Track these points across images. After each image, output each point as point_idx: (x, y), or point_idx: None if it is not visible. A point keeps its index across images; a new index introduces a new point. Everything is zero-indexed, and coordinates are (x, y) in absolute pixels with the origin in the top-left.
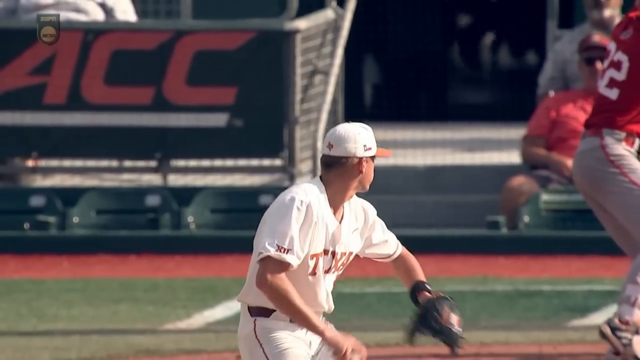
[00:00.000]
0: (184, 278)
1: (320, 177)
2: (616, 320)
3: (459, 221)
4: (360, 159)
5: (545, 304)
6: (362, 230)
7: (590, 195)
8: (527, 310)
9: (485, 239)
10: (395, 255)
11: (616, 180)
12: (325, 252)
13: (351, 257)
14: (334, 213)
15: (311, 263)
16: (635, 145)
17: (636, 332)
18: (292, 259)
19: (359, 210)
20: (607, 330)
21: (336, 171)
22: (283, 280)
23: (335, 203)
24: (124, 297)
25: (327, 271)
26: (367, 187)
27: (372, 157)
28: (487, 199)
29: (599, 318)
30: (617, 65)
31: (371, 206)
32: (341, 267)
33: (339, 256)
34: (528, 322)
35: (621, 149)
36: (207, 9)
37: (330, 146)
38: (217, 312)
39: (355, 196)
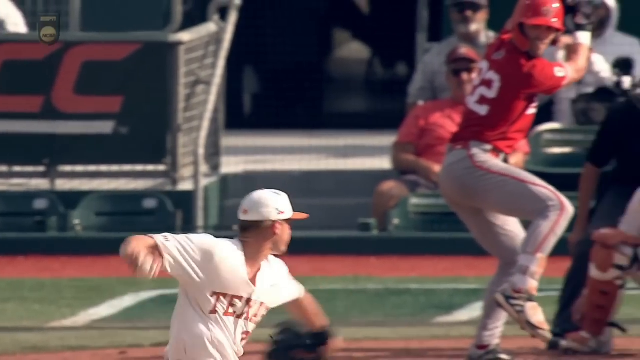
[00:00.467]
0: (70, 278)
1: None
2: (509, 290)
3: (333, 223)
4: (274, 222)
5: (413, 301)
6: (279, 286)
7: (459, 203)
8: (396, 308)
9: (357, 240)
10: (294, 298)
11: (488, 180)
12: (239, 298)
13: (262, 308)
14: (250, 268)
15: (212, 299)
16: (500, 159)
17: (529, 300)
18: (166, 245)
19: (276, 268)
20: (501, 299)
21: (251, 234)
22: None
23: (251, 261)
24: (11, 297)
25: (239, 316)
26: (283, 249)
27: (287, 220)
28: (359, 202)
29: (463, 315)
30: (488, 84)
31: (284, 265)
32: (254, 317)
33: (252, 303)
34: (397, 319)
35: (486, 156)
36: (95, 21)
37: (245, 212)
38: (102, 310)
39: (273, 256)
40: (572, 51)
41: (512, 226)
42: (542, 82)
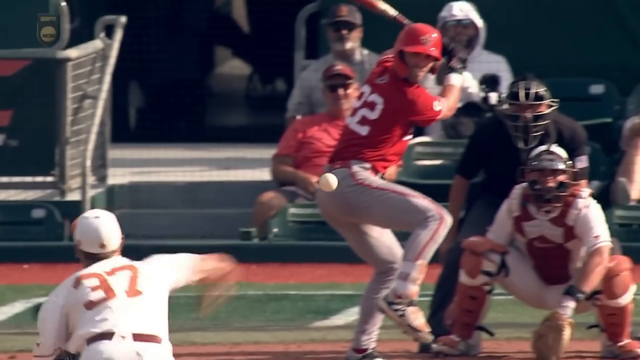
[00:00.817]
0: None
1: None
2: (391, 295)
3: (215, 232)
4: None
5: (291, 307)
6: None
7: (338, 219)
8: (276, 313)
9: (238, 248)
10: None
11: (369, 195)
12: None
13: None
14: None
15: None
16: (377, 177)
17: (410, 304)
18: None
19: None
20: (384, 305)
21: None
22: None
23: None
24: None
25: None
26: None
27: None
28: (241, 212)
29: (339, 320)
30: (370, 106)
31: None
32: None
33: None
34: (276, 323)
35: (367, 173)
36: None
37: (112, 248)
38: None
39: None
40: (444, 90)
41: (386, 238)
42: (422, 111)
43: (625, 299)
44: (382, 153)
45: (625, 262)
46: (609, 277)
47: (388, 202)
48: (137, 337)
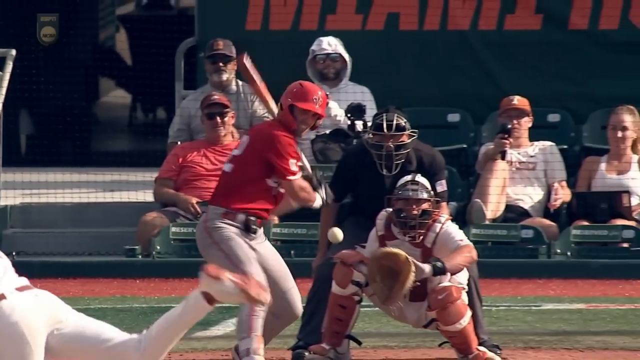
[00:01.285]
0: None
1: None
2: None
3: (101, 250)
4: None
5: None
6: None
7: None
8: None
9: (123, 265)
10: None
11: (211, 250)
12: None
13: None
14: None
15: None
16: (238, 220)
17: None
18: None
19: None
20: None
21: None
22: None
23: None
24: None
25: None
26: None
27: None
28: (125, 231)
29: (218, 330)
30: (240, 145)
31: None
32: None
33: None
34: None
35: (220, 222)
36: None
37: None
38: None
39: None
40: None
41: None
42: (280, 154)
43: (462, 324)
44: (244, 192)
45: (456, 292)
46: (443, 307)
47: (220, 263)
48: (20, 289)
